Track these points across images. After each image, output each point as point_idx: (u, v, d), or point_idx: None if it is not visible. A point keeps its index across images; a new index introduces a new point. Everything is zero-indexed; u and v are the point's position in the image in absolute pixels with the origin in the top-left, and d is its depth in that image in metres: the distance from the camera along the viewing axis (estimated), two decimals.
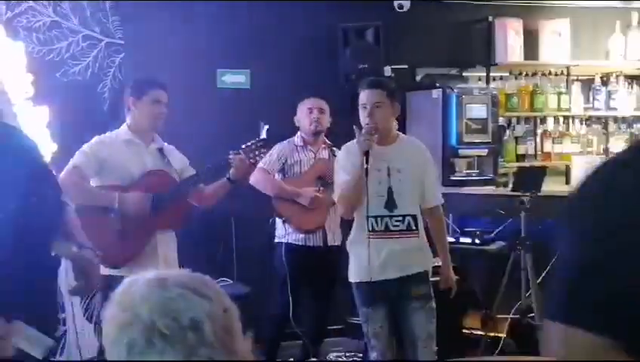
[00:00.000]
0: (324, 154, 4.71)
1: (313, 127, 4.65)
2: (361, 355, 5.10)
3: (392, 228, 3.63)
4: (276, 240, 4.67)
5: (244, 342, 1.13)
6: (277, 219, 4.65)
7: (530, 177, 4.84)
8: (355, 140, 3.68)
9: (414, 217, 3.67)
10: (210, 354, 1.05)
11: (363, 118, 3.67)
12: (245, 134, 4.27)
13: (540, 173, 4.94)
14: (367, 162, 3.55)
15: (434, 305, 3.72)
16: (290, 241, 4.56)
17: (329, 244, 4.61)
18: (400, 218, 3.64)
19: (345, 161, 3.70)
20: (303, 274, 4.59)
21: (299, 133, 4.74)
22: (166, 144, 4.05)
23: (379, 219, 3.62)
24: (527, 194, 4.64)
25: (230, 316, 1.12)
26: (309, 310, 4.78)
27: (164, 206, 3.73)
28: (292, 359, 5.02)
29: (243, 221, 5.43)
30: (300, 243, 4.57)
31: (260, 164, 4.38)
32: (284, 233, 4.59)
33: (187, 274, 1.15)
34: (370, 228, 3.62)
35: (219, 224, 5.35)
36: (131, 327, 1.05)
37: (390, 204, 3.62)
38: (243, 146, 3.97)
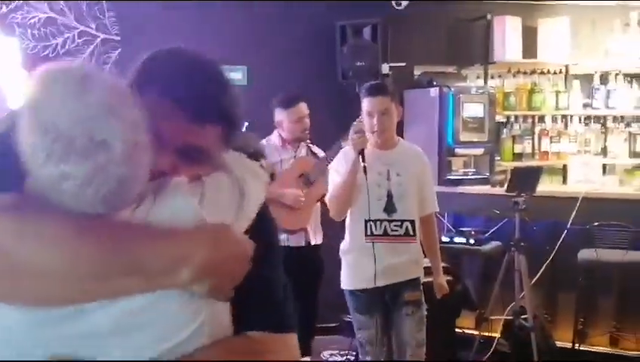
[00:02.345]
0: (303, 152, 4.66)
1: (305, 134, 4.60)
2: (354, 353, 5.10)
3: (390, 233, 3.60)
4: None
5: (147, 152, 1.18)
6: None
7: (525, 178, 4.82)
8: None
9: (412, 223, 3.64)
10: (117, 170, 1.13)
11: (369, 125, 3.63)
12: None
13: (534, 173, 4.91)
14: (363, 160, 3.53)
15: (425, 312, 3.71)
16: None
17: (311, 244, 4.59)
18: (399, 223, 3.61)
19: (340, 164, 3.67)
20: (287, 275, 4.54)
21: (276, 133, 4.64)
22: None
23: (378, 222, 3.59)
24: (522, 195, 4.62)
25: (140, 132, 1.17)
26: (296, 310, 4.72)
27: None
28: None
29: None
30: (284, 244, 4.48)
31: None
32: None
33: (109, 87, 1.18)
34: (369, 233, 3.59)
35: None
36: (50, 136, 1.11)
37: (389, 207, 3.59)
38: None
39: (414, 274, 3.67)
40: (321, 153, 4.65)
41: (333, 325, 5.70)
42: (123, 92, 1.20)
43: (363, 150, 3.55)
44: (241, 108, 1.36)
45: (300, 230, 4.54)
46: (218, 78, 1.33)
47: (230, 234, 1.26)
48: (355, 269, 3.66)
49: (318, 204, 4.59)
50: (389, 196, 3.58)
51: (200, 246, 1.19)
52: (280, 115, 4.58)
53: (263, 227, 1.38)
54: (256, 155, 1.45)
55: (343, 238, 3.77)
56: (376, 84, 3.90)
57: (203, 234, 1.21)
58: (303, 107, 4.59)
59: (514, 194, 4.67)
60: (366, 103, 3.66)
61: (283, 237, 4.49)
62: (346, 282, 3.72)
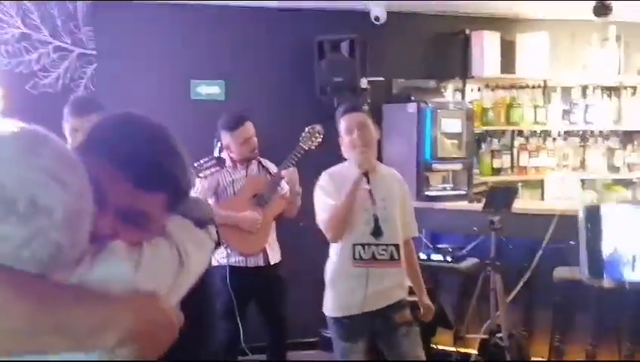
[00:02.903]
0: (254, 168, 4.56)
1: (253, 154, 4.51)
2: None
3: (378, 258, 3.53)
4: (214, 263, 4.38)
5: (89, 221, 1.21)
6: None
7: (501, 197, 4.80)
8: (340, 166, 3.65)
9: (397, 247, 3.58)
10: (55, 236, 1.15)
11: (349, 144, 3.53)
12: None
13: (510, 192, 4.91)
14: (368, 182, 3.46)
15: (417, 327, 3.67)
16: (231, 264, 4.38)
17: (271, 263, 4.50)
18: (385, 247, 3.54)
19: (330, 185, 3.56)
20: (250, 296, 4.48)
21: (226, 153, 4.52)
22: None
23: (366, 246, 3.52)
24: (498, 215, 4.61)
25: (84, 200, 1.20)
26: (265, 329, 4.65)
27: None
28: None
29: None
30: (242, 265, 4.42)
31: (193, 194, 4.21)
32: (224, 255, 4.38)
33: (58, 153, 1.19)
34: (358, 256, 3.52)
35: None
36: None
37: (376, 231, 3.49)
38: (195, 164, 3.90)
39: (400, 296, 3.63)
40: (273, 168, 4.56)
41: (312, 340, 5.68)
42: (71, 160, 1.21)
43: (367, 173, 3.47)
44: (188, 173, 1.37)
45: (260, 252, 4.47)
46: (164, 144, 1.35)
47: (158, 303, 1.28)
48: (342, 295, 3.57)
49: (274, 221, 4.55)
50: (376, 220, 3.49)
51: (126, 313, 1.21)
52: (226, 138, 4.46)
53: (199, 298, 1.42)
54: (204, 222, 1.46)
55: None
56: (349, 103, 3.86)
57: (131, 301, 1.24)
58: (249, 127, 4.47)
59: (490, 212, 4.67)
60: (343, 122, 3.58)
61: (241, 258, 4.43)
62: (331, 309, 3.62)
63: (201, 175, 3.97)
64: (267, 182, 4.50)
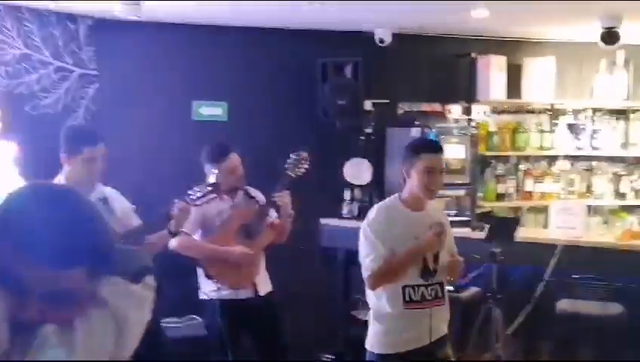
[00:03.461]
0: (239, 197, 4.39)
1: (240, 184, 4.37)
2: None
3: (427, 298, 3.47)
4: (203, 296, 4.31)
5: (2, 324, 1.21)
6: (202, 274, 4.33)
7: (503, 228, 4.74)
8: (392, 200, 3.53)
9: (442, 285, 3.52)
10: None
11: (425, 182, 3.42)
12: None
13: (512, 223, 4.85)
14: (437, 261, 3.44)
15: None
16: (221, 297, 4.25)
17: (260, 294, 4.36)
18: (433, 286, 3.48)
19: (380, 225, 3.43)
20: (242, 328, 4.37)
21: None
22: (108, 189, 3.80)
23: (415, 288, 3.45)
24: (500, 247, 4.55)
25: None
26: (263, 359, 4.51)
27: None
28: None
29: None
30: (233, 298, 4.28)
31: (186, 225, 4.01)
32: (214, 288, 4.24)
33: None
34: (408, 298, 3.45)
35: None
36: None
37: (426, 272, 3.44)
38: (189, 192, 3.82)
39: (443, 332, 3.60)
40: (260, 196, 4.40)
41: None
42: None
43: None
44: (104, 235, 1.30)
45: (248, 284, 4.34)
46: (70, 214, 1.26)
47: None
48: (391, 334, 3.51)
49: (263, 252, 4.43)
50: (425, 261, 3.44)
51: None
52: (212, 171, 4.23)
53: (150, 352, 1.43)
54: (139, 274, 1.40)
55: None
56: (434, 141, 3.70)
57: None
58: (235, 158, 4.32)
59: (492, 244, 4.61)
60: (427, 160, 3.43)
61: (230, 291, 4.30)
62: (378, 345, 3.54)
63: (197, 203, 3.89)
64: (255, 213, 4.35)
